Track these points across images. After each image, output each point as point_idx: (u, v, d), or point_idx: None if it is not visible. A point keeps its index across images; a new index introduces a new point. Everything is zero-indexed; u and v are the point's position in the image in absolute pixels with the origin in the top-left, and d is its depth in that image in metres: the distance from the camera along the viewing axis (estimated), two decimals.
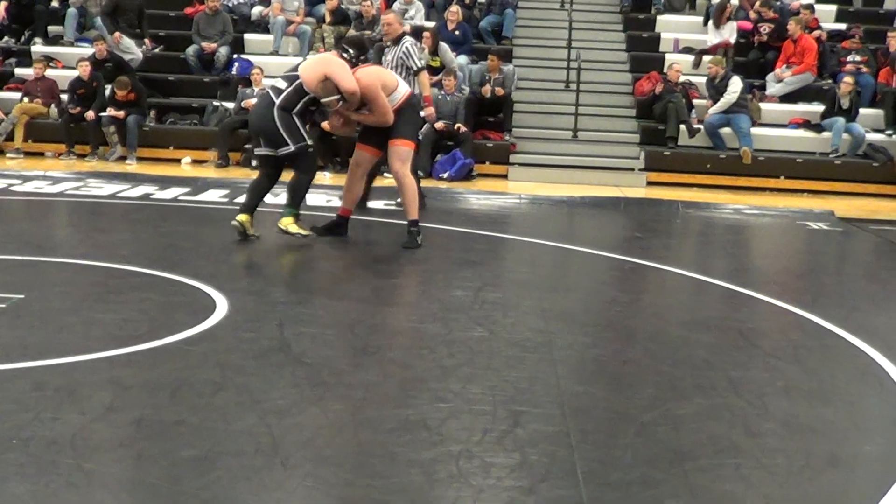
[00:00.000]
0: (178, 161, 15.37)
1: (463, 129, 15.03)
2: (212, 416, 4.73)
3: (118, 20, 16.81)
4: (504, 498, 4.02)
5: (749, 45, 17.38)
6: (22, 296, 6.85)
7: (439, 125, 14.80)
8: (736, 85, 15.70)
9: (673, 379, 5.71)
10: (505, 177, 15.21)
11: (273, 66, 16.41)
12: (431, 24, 16.98)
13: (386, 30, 11.58)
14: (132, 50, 16.70)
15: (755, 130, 15.73)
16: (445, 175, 14.44)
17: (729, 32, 17.39)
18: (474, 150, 15.09)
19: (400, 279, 8.43)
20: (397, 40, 11.30)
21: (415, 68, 11.25)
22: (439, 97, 15.19)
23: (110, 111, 15.31)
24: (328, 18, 17.20)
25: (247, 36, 17.65)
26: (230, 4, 17.74)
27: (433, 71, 16.07)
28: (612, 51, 18.16)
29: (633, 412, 5.09)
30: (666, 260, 9.56)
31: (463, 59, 16.37)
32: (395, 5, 17.42)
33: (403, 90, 9.51)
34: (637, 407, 5.17)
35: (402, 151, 9.39)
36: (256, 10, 17.83)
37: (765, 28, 17.05)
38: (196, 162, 15.38)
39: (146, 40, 17.03)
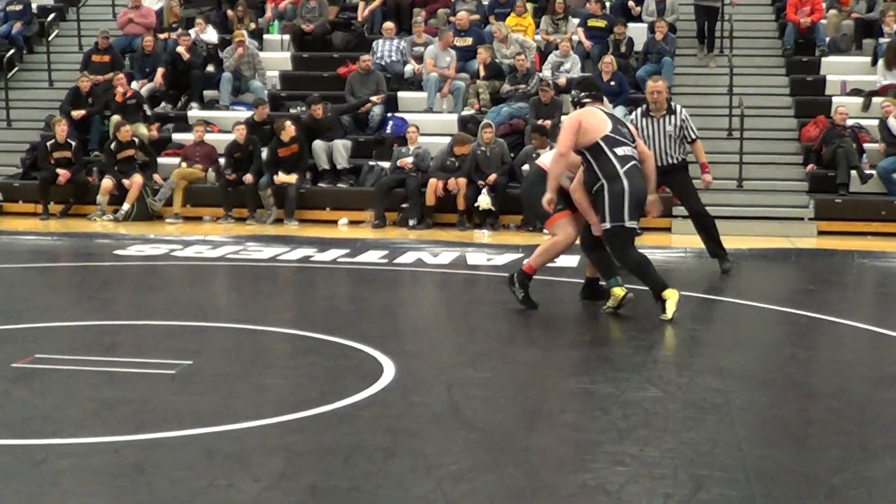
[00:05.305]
0: (334, 222, 15.48)
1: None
2: (386, 483, 4.67)
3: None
4: None
5: None
6: (190, 362, 6.91)
7: None
8: None
9: (861, 439, 5.49)
10: (669, 230, 14.95)
11: (427, 123, 16.45)
12: (587, 76, 16.86)
13: (656, 98, 11.08)
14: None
15: None
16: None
17: None
18: None
19: (569, 339, 8.28)
20: (669, 108, 11.09)
21: (691, 137, 11.12)
22: None
23: (279, 177, 15.52)
24: (482, 73, 17.21)
25: (400, 94, 17.76)
26: (383, 63, 17.89)
27: None
28: (775, 96, 17.77)
29: (821, 475, 4.89)
30: (843, 313, 9.21)
31: (620, 111, 16.18)
32: (550, 58, 17.43)
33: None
34: (825, 469, 4.97)
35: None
36: (409, 68, 17.93)
37: None
38: (353, 223, 15.46)
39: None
